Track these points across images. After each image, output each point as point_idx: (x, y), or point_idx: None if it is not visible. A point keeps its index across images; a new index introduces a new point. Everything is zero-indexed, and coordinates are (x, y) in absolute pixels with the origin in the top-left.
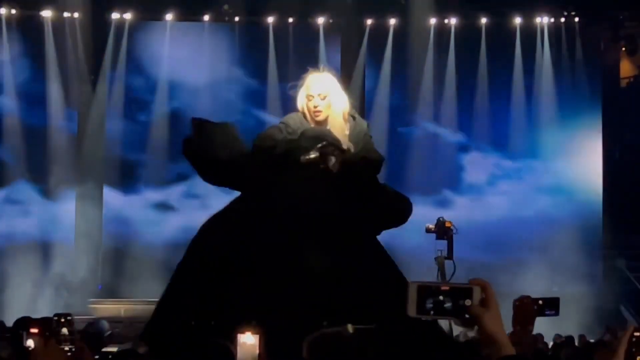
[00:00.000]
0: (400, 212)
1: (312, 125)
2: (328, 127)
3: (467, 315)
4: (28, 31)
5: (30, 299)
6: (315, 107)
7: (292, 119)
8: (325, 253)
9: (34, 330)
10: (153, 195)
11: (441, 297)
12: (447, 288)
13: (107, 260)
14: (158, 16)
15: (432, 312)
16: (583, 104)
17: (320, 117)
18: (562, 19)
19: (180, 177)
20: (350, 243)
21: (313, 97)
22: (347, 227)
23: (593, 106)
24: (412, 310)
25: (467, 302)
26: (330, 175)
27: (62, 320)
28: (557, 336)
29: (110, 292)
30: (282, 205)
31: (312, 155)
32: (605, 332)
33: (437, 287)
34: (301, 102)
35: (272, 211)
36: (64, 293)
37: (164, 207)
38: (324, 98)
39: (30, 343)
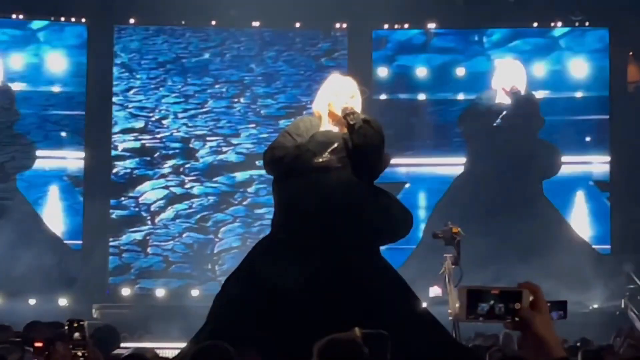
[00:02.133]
0: (402, 222)
1: (329, 124)
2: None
3: (517, 319)
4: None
5: (40, 302)
6: (346, 103)
7: (302, 121)
8: (336, 258)
9: (39, 345)
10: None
11: (492, 301)
12: (497, 292)
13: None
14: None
15: (482, 316)
16: (590, 108)
17: (353, 109)
18: (570, 24)
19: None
20: (359, 248)
21: (342, 94)
22: (357, 231)
23: (600, 111)
24: (462, 315)
25: (517, 306)
26: (341, 176)
27: (75, 325)
28: (563, 340)
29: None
30: (293, 210)
31: (324, 158)
32: (614, 337)
33: (487, 291)
34: (326, 100)
35: (283, 216)
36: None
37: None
38: (352, 97)
39: None
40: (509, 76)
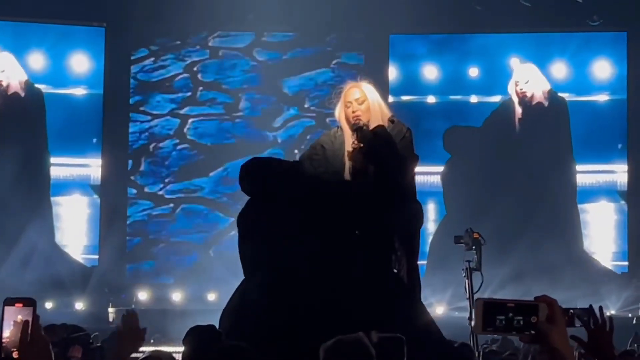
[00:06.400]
0: (414, 216)
1: (350, 136)
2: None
3: (532, 332)
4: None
5: (57, 306)
6: (354, 112)
7: (326, 135)
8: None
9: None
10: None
11: (509, 314)
12: (513, 305)
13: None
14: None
15: (499, 329)
16: (608, 113)
17: (361, 123)
18: (587, 28)
19: None
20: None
21: (351, 103)
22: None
23: (619, 116)
24: (478, 327)
25: (533, 319)
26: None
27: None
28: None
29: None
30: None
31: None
32: (630, 342)
33: (503, 304)
34: (338, 112)
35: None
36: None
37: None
38: (362, 102)
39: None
40: (525, 80)
